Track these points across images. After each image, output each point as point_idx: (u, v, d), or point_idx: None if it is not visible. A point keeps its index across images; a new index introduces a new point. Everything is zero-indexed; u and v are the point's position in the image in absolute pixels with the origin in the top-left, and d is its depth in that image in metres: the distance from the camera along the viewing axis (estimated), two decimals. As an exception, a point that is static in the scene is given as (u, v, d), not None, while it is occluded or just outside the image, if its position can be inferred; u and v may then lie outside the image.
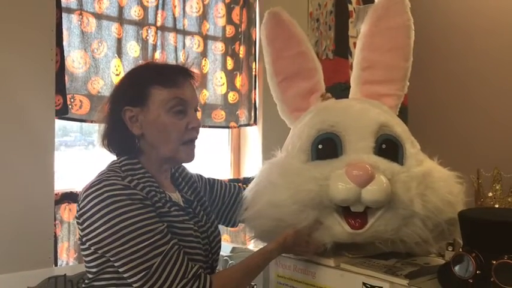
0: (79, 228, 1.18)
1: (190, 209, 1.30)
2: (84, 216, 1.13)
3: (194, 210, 1.32)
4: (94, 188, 1.13)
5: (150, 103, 1.21)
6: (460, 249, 1.12)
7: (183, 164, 1.41)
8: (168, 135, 1.21)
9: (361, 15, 1.55)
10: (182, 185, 1.36)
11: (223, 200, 1.48)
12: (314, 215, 1.26)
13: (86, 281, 1.22)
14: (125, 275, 1.11)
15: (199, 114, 2.34)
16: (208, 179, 1.50)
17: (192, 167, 1.47)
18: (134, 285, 1.11)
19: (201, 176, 1.48)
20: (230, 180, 2.44)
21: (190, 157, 1.27)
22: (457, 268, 1.10)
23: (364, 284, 1.21)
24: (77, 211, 1.18)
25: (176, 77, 1.24)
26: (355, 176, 1.20)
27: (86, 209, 1.13)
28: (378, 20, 1.46)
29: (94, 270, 1.17)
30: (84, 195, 1.15)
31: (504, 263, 1.03)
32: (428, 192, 1.26)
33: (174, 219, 1.19)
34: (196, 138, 1.27)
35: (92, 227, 1.12)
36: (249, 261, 1.24)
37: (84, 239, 1.16)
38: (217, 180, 1.52)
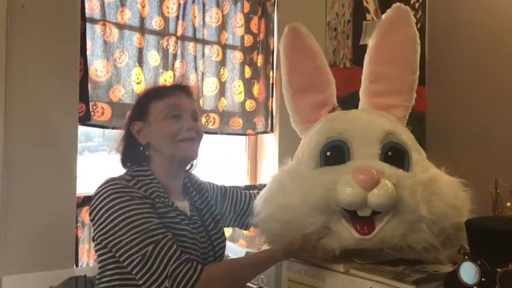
0: (92, 225, 1.32)
1: (196, 217, 1.39)
2: (94, 213, 1.28)
3: (202, 218, 1.41)
4: (101, 188, 1.30)
5: (150, 116, 1.38)
6: (466, 257, 1.14)
7: (194, 175, 1.50)
8: (166, 135, 1.35)
9: (368, 31, 1.60)
10: (193, 194, 1.45)
11: (235, 208, 1.56)
12: (322, 219, 1.29)
13: (96, 280, 1.33)
14: (125, 264, 1.22)
15: (215, 123, 2.42)
16: (220, 187, 1.57)
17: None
18: (133, 272, 1.21)
19: (213, 184, 1.56)
20: (246, 187, 2.50)
21: (188, 152, 1.38)
22: (462, 275, 1.12)
23: (372, 289, 1.24)
24: (89, 209, 1.32)
25: (169, 90, 1.42)
26: (361, 180, 1.24)
27: (94, 205, 1.28)
28: (384, 34, 1.51)
29: (100, 265, 1.30)
30: (93, 196, 1.30)
31: (509, 271, 1.04)
32: (434, 198, 1.29)
33: (172, 221, 1.29)
34: (193, 137, 1.38)
35: (99, 221, 1.26)
36: (249, 257, 1.34)
37: (94, 232, 1.29)
38: (230, 188, 1.59)
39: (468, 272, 1.11)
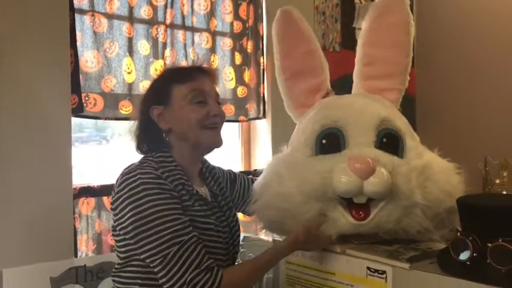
0: (112, 215, 1.26)
1: (215, 203, 1.38)
2: (117, 202, 1.22)
3: (219, 204, 1.40)
4: (129, 175, 1.22)
5: (172, 100, 1.31)
6: (458, 234, 1.17)
7: (207, 160, 1.48)
8: (191, 121, 1.30)
9: (361, 13, 1.60)
10: (209, 180, 1.44)
11: (244, 195, 1.56)
12: (318, 207, 1.31)
13: (114, 269, 1.30)
14: (147, 261, 1.20)
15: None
16: (229, 173, 1.57)
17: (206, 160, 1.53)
18: (155, 270, 1.19)
19: (223, 170, 1.55)
20: (241, 172, 2.51)
21: (214, 139, 1.34)
22: (455, 251, 1.15)
23: (368, 268, 1.27)
24: (112, 199, 1.26)
25: (192, 73, 1.35)
26: (357, 169, 1.25)
27: (119, 194, 1.21)
28: (377, 17, 1.51)
29: (122, 256, 1.26)
30: (119, 182, 1.23)
31: (499, 245, 1.07)
32: (428, 184, 1.31)
33: (197, 214, 1.27)
34: (218, 124, 1.34)
35: (122, 212, 1.20)
36: (259, 258, 1.30)
37: (115, 223, 1.24)
38: (239, 174, 1.59)
39: (460, 248, 1.14)
